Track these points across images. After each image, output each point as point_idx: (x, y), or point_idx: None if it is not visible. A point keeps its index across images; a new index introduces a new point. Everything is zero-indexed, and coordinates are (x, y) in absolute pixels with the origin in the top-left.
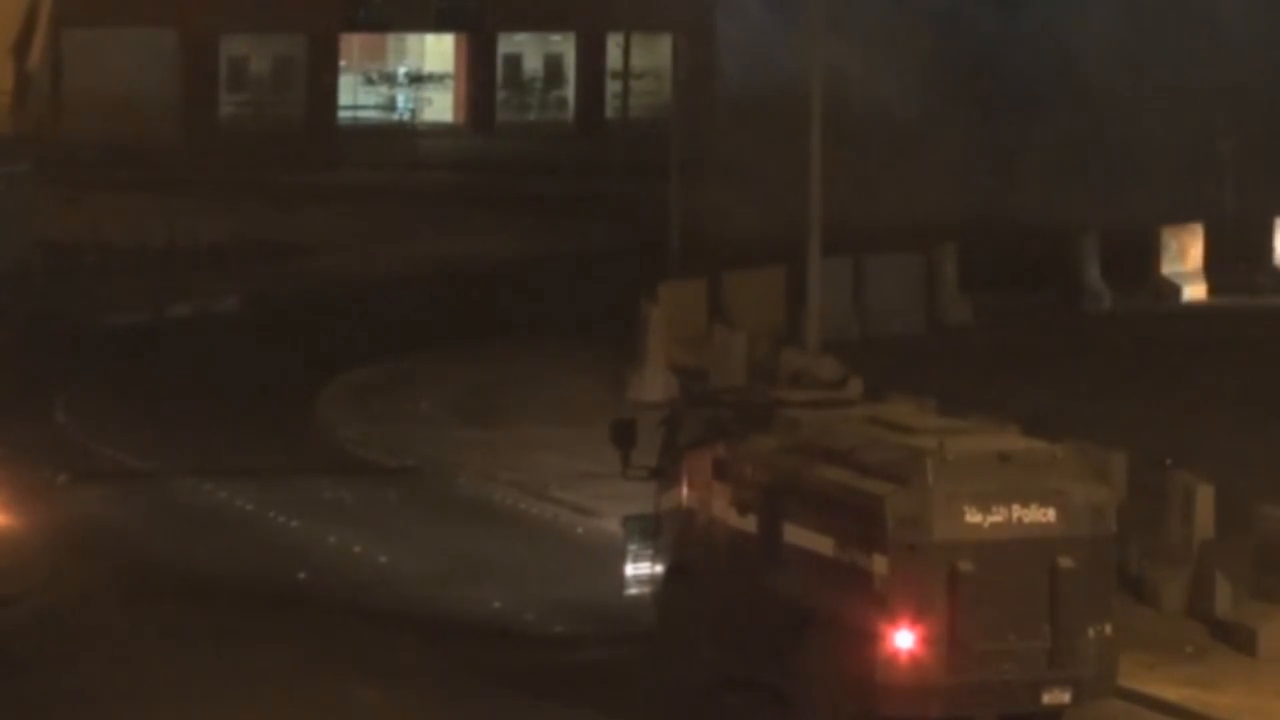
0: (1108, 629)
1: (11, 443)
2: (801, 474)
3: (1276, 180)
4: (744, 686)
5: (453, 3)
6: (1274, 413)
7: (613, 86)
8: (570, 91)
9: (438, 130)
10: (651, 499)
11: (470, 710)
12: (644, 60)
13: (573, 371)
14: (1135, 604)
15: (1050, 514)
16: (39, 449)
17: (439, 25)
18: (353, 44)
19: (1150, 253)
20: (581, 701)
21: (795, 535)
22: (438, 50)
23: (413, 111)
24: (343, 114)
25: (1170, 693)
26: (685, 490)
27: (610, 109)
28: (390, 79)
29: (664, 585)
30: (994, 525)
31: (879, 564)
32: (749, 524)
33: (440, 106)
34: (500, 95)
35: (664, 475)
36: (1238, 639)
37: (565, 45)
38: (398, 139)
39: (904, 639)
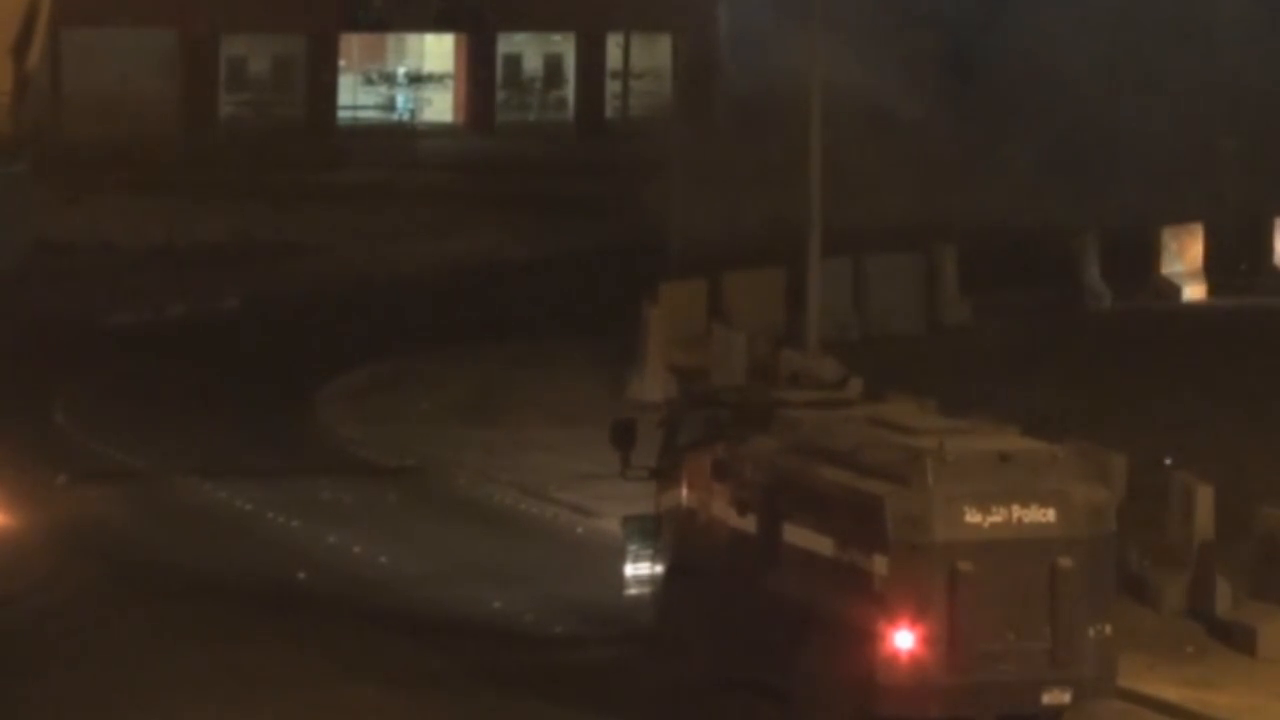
0: (1108, 629)
1: (11, 443)
2: (801, 474)
3: (1276, 180)
4: (744, 686)
5: (453, 3)
6: (1274, 413)
7: (613, 86)
8: (570, 91)
9: (438, 130)
10: (651, 499)
11: (470, 710)
12: (644, 60)
13: (572, 371)
14: (1135, 604)
15: (1050, 514)
16: (39, 449)
17: (439, 25)
18: (352, 44)
19: (1150, 253)
20: (581, 701)
21: (795, 535)
22: (438, 50)
23: (412, 111)
24: (342, 114)
25: (1170, 693)
26: (685, 490)
27: (610, 109)
28: (390, 79)
29: (664, 585)
30: (994, 525)
31: (879, 564)
32: (749, 524)
33: (440, 106)
34: (500, 95)
35: (664, 475)
36: (1238, 639)
37: (565, 45)
38: (397, 139)
39: (904, 639)
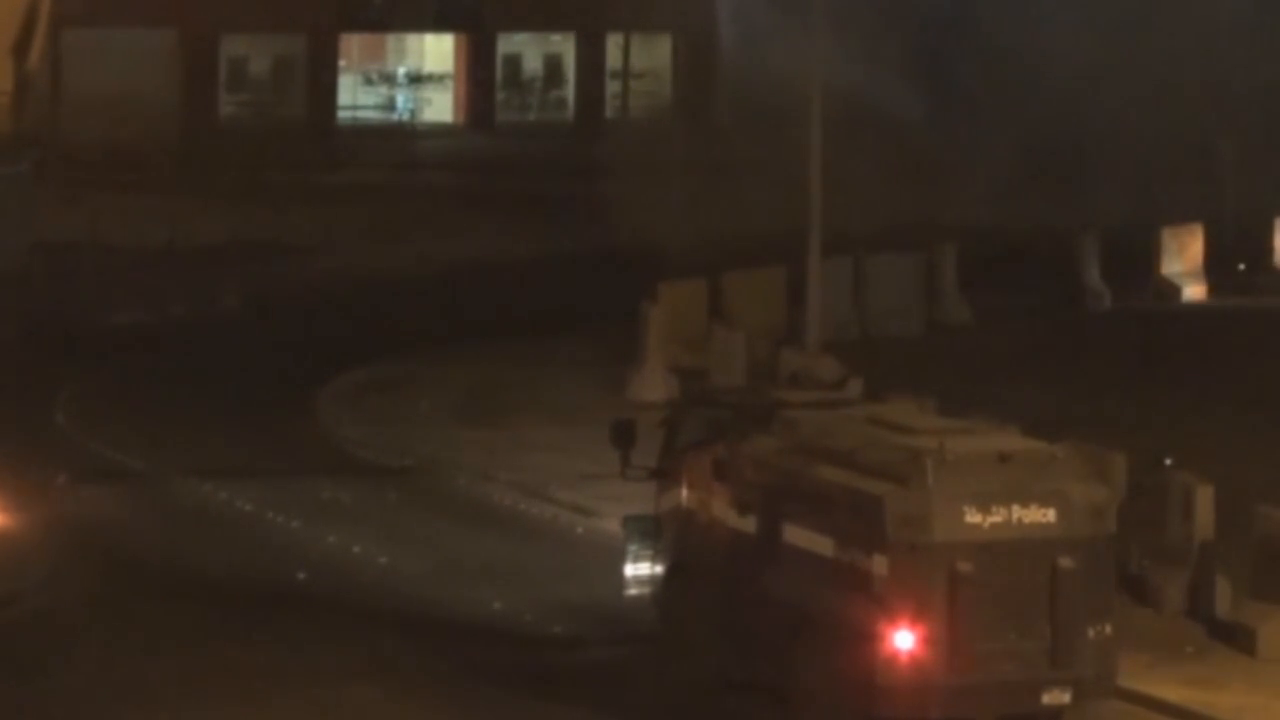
0: (1108, 629)
1: (11, 443)
2: (801, 474)
3: (1276, 180)
4: (744, 686)
5: (452, 3)
6: (1274, 413)
7: (613, 86)
8: (570, 91)
9: (437, 130)
10: (651, 499)
11: (470, 710)
12: (644, 60)
13: (573, 371)
14: (1135, 604)
15: (1050, 514)
16: (39, 449)
17: (439, 25)
18: (352, 44)
19: (1150, 253)
20: (581, 701)
21: (795, 535)
22: (437, 50)
23: (412, 111)
24: (342, 114)
25: (1170, 693)
26: (685, 491)
27: (610, 109)
28: (390, 79)
29: (664, 585)
30: (994, 525)
31: (879, 564)
32: (749, 524)
33: (440, 106)
34: (500, 95)
35: (664, 475)
36: (1238, 639)
37: (565, 45)
38: (397, 139)
39: (904, 639)
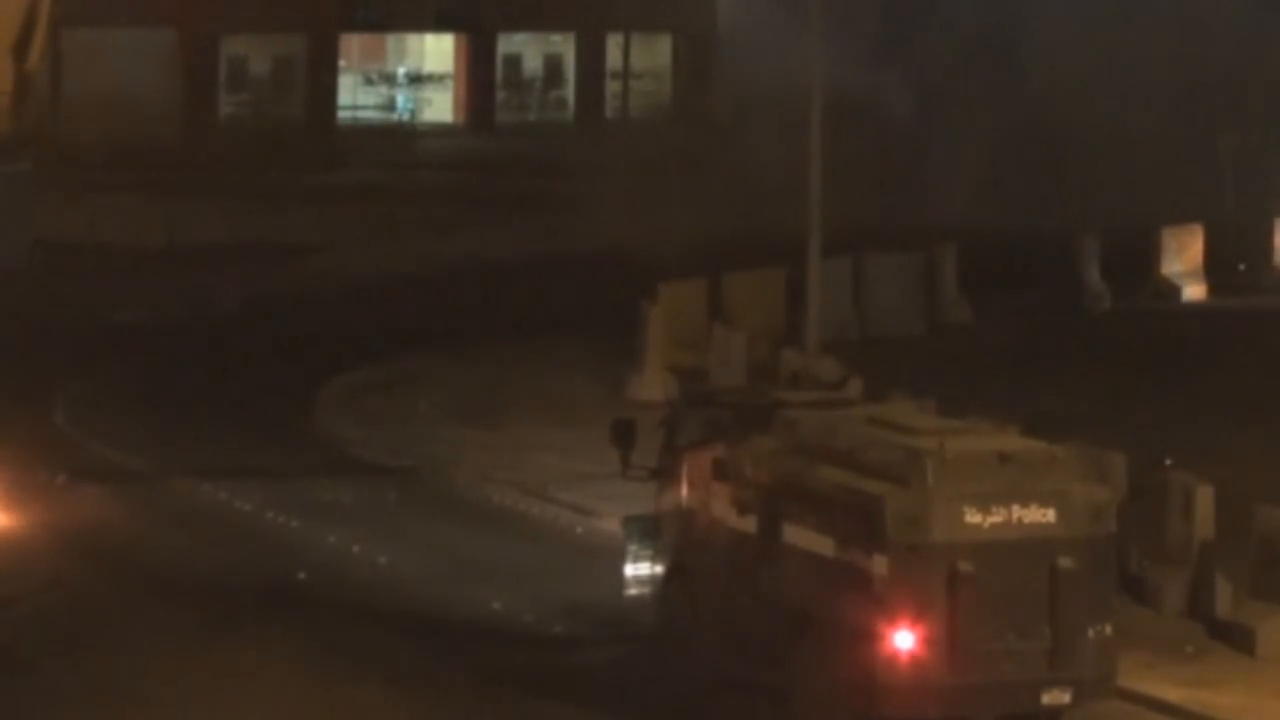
0: (1108, 629)
1: (11, 443)
2: (801, 474)
3: (1276, 180)
4: (744, 686)
5: (452, 3)
6: (1274, 413)
7: (613, 86)
8: (570, 91)
9: (438, 130)
10: (651, 499)
11: (470, 710)
12: (644, 60)
13: (572, 371)
14: (1135, 604)
15: (1050, 514)
16: (39, 449)
17: (439, 25)
18: (352, 44)
19: (1150, 253)
20: (581, 701)
21: (795, 536)
22: (437, 50)
23: (412, 111)
24: (342, 114)
25: (1170, 693)
26: (685, 491)
27: (610, 109)
28: (390, 79)
29: (664, 585)
30: (994, 525)
31: (879, 564)
32: (749, 524)
33: (440, 106)
34: (500, 95)
35: (664, 476)
36: (1238, 639)
37: (565, 45)
38: (397, 139)
39: (904, 639)
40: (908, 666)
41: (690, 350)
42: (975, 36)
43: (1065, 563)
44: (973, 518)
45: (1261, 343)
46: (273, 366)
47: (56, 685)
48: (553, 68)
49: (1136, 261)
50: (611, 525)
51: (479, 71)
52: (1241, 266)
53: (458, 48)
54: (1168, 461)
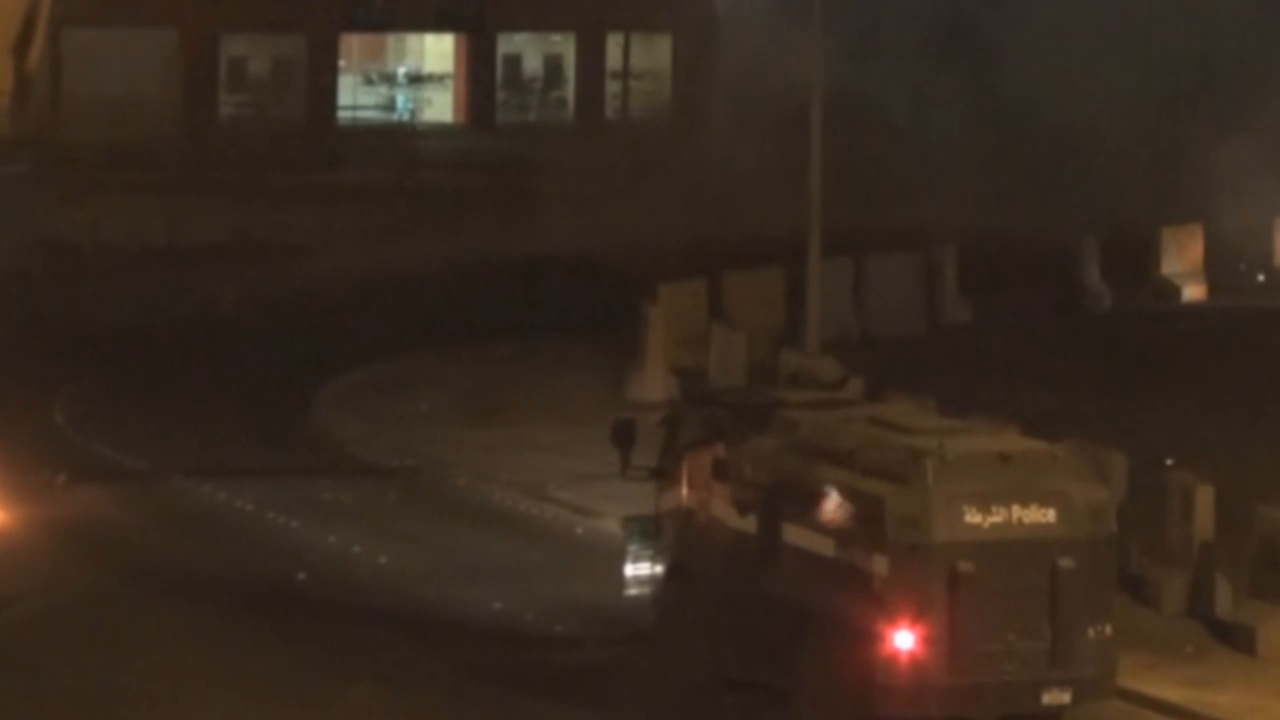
0: (1108, 629)
1: (11, 443)
2: (801, 474)
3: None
4: (744, 686)
5: (452, 3)
6: (1274, 413)
7: (612, 86)
8: (570, 91)
9: (438, 130)
10: (651, 499)
11: (470, 710)
12: (644, 60)
13: (572, 371)
14: (1135, 604)
15: (1050, 514)
16: (39, 449)
17: (439, 25)
18: (352, 44)
19: (1150, 253)
20: (581, 701)
21: (795, 535)
22: (437, 50)
23: (412, 111)
24: (342, 114)
25: (1170, 693)
26: (685, 490)
27: (610, 109)
28: (390, 79)
29: (664, 585)
30: (994, 525)
31: (879, 564)
32: (749, 524)
33: (440, 106)
34: (500, 95)
35: (664, 475)
36: (1238, 639)
37: (565, 45)
38: (397, 139)
39: (904, 640)
40: (908, 666)
41: (690, 350)
42: (974, 36)
43: (1065, 563)
44: (973, 518)
45: (1261, 343)
46: (273, 366)
47: (56, 685)
48: (553, 68)
49: (1136, 261)
50: (611, 525)
51: (479, 71)
52: (1241, 267)
53: (458, 48)
54: (1168, 461)
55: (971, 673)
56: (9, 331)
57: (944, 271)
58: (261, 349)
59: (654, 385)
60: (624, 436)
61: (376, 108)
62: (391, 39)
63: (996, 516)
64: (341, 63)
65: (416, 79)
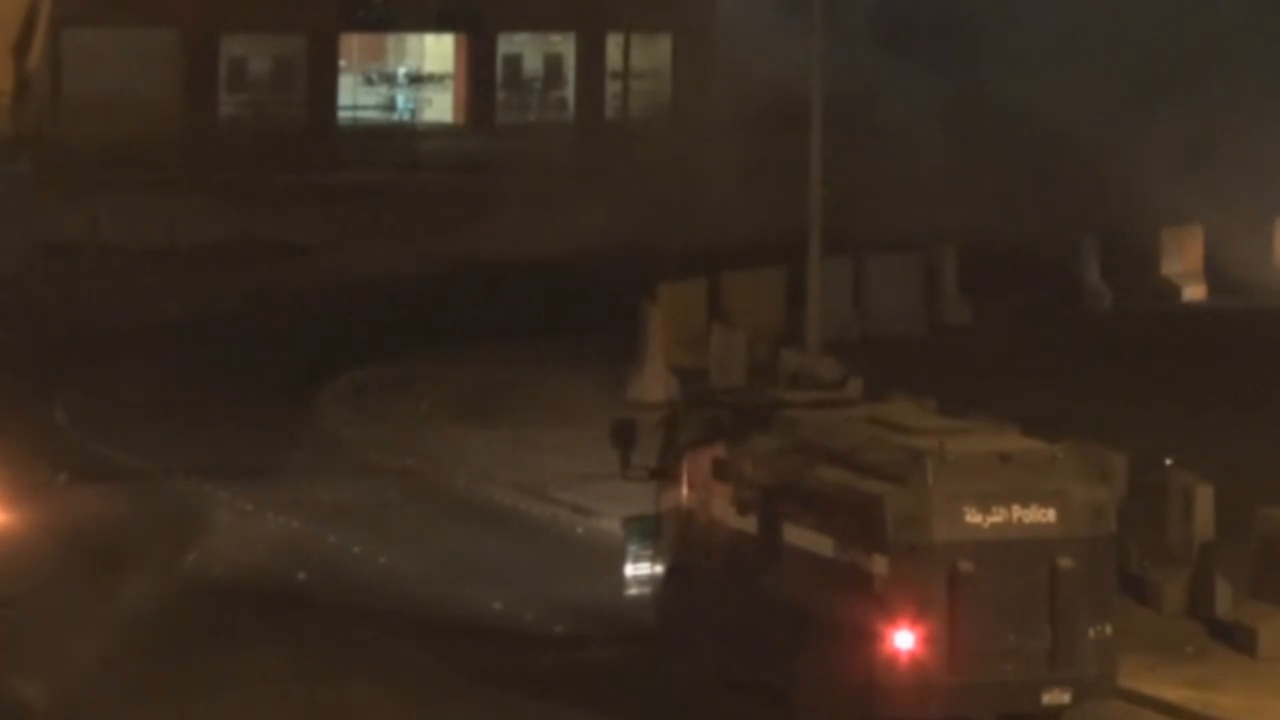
0: (1108, 629)
1: (11, 443)
2: (801, 474)
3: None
4: (744, 686)
5: (453, 3)
6: (1274, 413)
7: (612, 86)
8: (570, 91)
9: (438, 130)
10: (651, 499)
11: (470, 710)
12: (644, 60)
13: (572, 371)
14: (1135, 604)
15: (1050, 514)
16: (39, 449)
17: (439, 25)
18: (352, 44)
19: (1150, 253)
20: (581, 701)
21: (795, 535)
22: (438, 50)
23: (413, 112)
24: (342, 114)
25: (1170, 693)
26: (685, 491)
27: (610, 109)
28: (390, 79)
29: (664, 585)
30: (994, 525)
31: (879, 564)
32: (749, 524)
33: (440, 107)
34: (500, 95)
35: (664, 476)
36: (1238, 639)
37: (565, 45)
38: (398, 139)
39: (904, 639)
40: (908, 666)
41: (690, 350)
42: (974, 36)
43: (1065, 563)
44: (973, 518)
45: (1261, 343)
46: (273, 366)
47: (57, 685)
48: (553, 68)
49: (1136, 262)
50: (611, 525)
51: (479, 71)
52: (1243, 267)
53: (458, 48)
54: (1168, 461)
55: (971, 673)
56: (9, 331)
57: (944, 272)
58: (262, 349)
59: (654, 385)
60: (624, 437)
61: (376, 108)
62: (391, 39)
63: (996, 516)
64: (341, 63)
65: (416, 79)
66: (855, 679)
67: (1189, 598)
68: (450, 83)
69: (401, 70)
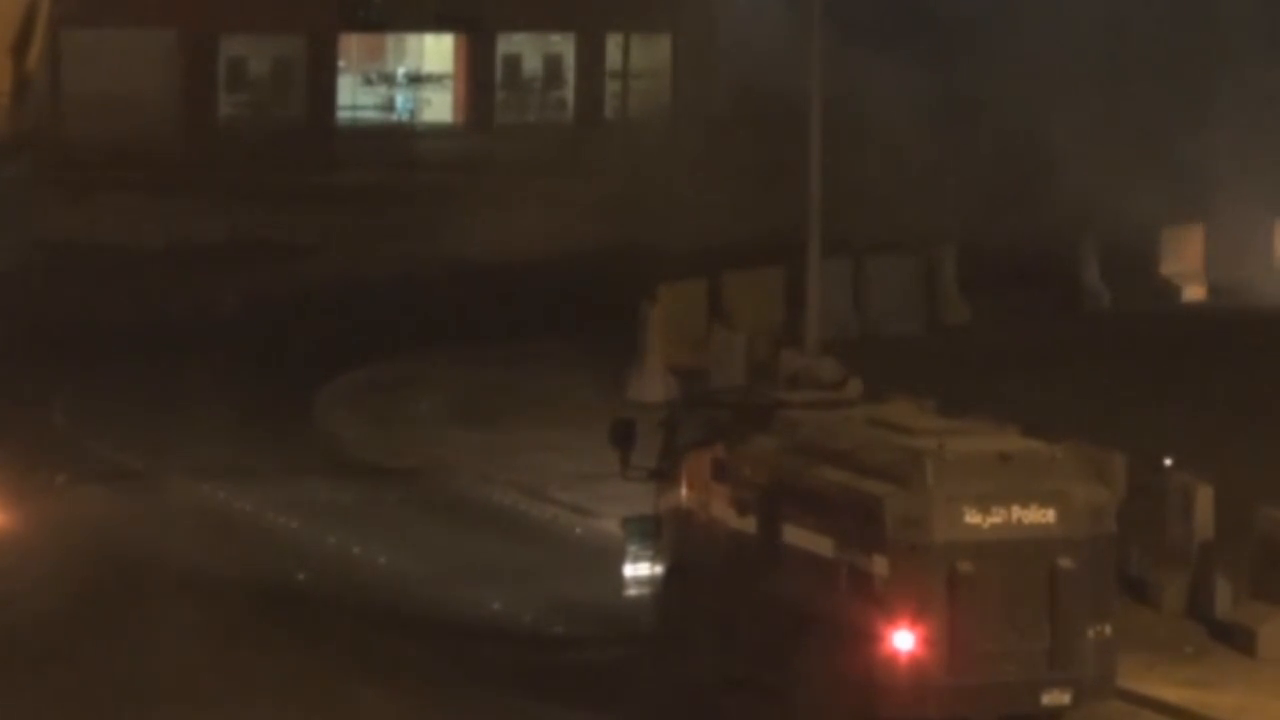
0: (1107, 629)
1: (11, 443)
2: (801, 475)
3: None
4: (744, 686)
5: (452, 3)
6: (1273, 413)
7: (612, 86)
8: (570, 91)
9: (437, 130)
10: (651, 499)
11: (470, 710)
12: (644, 60)
13: (572, 372)
14: (1135, 604)
15: (1050, 514)
16: (39, 449)
17: (438, 25)
18: (352, 44)
19: (1150, 253)
20: (581, 701)
21: (795, 536)
22: (437, 50)
23: (412, 112)
24: (342, 114)
25: (1170, 693)
26: (685, 491)
27: (610, 109)
28: (389, 79)
29: (664, 585)
30: (994, 526)
31: (879, 565)
32: (748, 525)
33: (440, 107)
34: (500, 95)
35: (664, 476)
36: (1238, 639)
37: (565, 45)
38: (397, 139)
39: (904, 640)
40: (908, 666)
41: (690, 350)
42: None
43: (1065, 563)
44: (973, 518)
45: (1261, 343)
46: (272, 367)
47: (56, 685)
48: (553, 68)
49: (1136, 261)
50: (611, 525)
51: (479, 72)
52: (1243, 267)
53: (457, 48)
54: (1168, 461)
55: (971, 673)
56: (9, 331)
57: (943, 272)
58: (261, 349)
59: (654, 385)
60: (624, 437)
61: (376, 108)
62: (391, 39)
63: (996, 517)
64: (341, 63)
65: (416, 79)
66: (855, 679)
67: (1189, 598)
68: (449, 83)
69: (401, 70)
